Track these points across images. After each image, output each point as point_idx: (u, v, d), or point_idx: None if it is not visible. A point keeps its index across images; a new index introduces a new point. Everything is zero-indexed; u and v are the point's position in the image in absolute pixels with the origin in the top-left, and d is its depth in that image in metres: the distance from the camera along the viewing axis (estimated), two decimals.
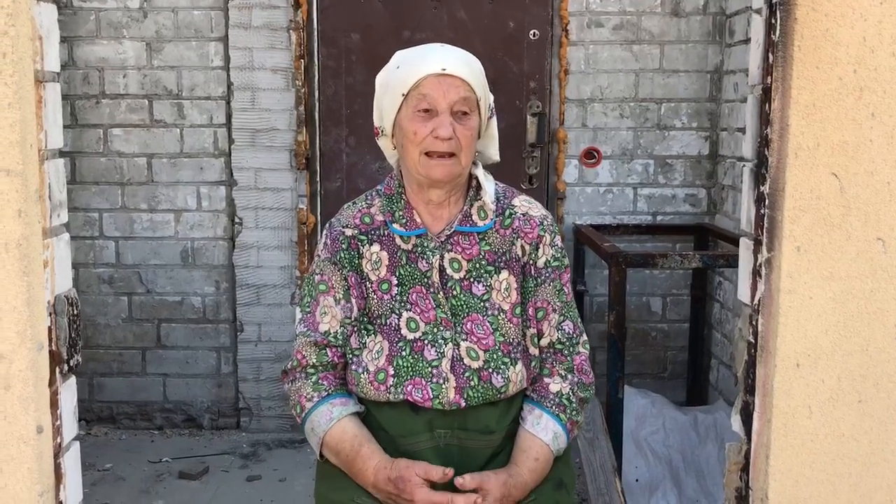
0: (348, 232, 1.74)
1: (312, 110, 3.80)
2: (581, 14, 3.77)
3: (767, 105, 1.29)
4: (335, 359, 1.75)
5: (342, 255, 1.73)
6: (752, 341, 1.36)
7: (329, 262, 1.75)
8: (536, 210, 1.78)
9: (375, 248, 1.73)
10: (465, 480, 1.62)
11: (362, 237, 1.74)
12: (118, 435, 3.89)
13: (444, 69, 1.63)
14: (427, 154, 1.65)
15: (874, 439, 1.31)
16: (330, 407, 1.71)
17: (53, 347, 1.25)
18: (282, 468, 3.55)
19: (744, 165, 1.40)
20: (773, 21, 1.27)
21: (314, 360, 1.75)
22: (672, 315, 3.97)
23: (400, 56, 1.71)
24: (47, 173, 1.24)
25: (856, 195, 1.26)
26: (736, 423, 1.42)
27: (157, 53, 3.79)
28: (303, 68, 3.73)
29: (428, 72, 1.63)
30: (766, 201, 1.31)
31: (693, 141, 3.86)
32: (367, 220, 1.75)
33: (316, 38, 3.78)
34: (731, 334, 3.61)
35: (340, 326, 1.74)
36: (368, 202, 1.78)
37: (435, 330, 1.70)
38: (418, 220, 1.72)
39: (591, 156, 3.86)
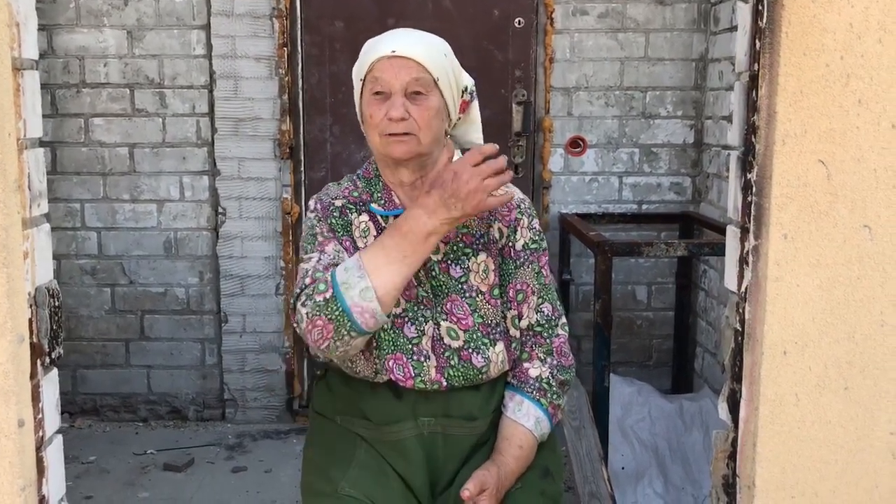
0: (338, 203, 1.76)
1: (296, 99, 3.77)
2: (566, 2, 3.76)
3: (754, 92, 1.29)
4: None
5: (334, 221, 1.74)
6: (739, 329, 1.36)
7: (323, 221, 1.73)
8: (513, 194, 1.78)
9: (364, 217, 1.75)
10: (470, 489, 1.61)
11: (351, 206, 1.75)
12: (102, 427, 3.87)
13: (393, 51, 1.64)
14: (386, 135, 1.66)
15: (860, 426, 1.32)
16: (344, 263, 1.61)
17: (34, 340, 1.23)
18: (267, 459, 3.54)
19: (730, 153, 1.40)
20: (760, 7, 1.26)
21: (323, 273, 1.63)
22: (657, 303, 3.98)
23: (365, 44, 1.73)
24: (26, 163, 1.22)
25: (843, 182, 1.26)
26: (723, 410, 1.42)
27: (139, 42, 3.74)
28: (286, 56, 3.70)
29: (380, 55, 1.65)
30: (753, 189, 1.30)
31: (678, 129, 3.86)
32: (354, 194, 1.78)
33: (299, 25, 3.74)
34: (716, 322, 3.63)
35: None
36: (351, 183, 1.81)
37: (416, 308, 1.71)
38: (396, 200, 1.74)
39: (576, 144, 3.85)
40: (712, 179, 3.73)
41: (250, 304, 3.85)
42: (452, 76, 1.70)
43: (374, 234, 1.73)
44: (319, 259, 1.65)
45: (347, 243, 1.73)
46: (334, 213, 1.74)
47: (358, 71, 1.70)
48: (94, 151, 3.80)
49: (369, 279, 1.54)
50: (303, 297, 1.58)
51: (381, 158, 1.74)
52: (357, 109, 1.75)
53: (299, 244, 1.79)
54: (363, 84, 1.68)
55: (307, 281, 1.61)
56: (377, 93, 1.65)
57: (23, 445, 1.19)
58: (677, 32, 3.80)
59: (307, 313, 1.56)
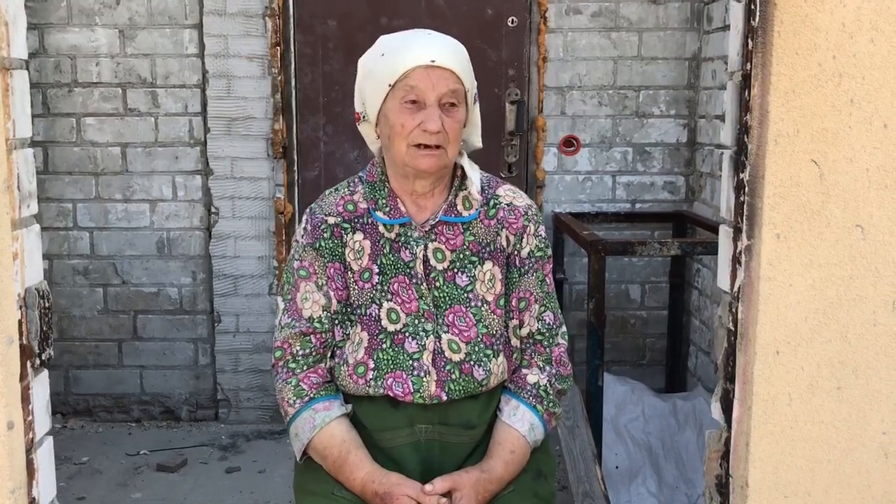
0: (331, 220, 1.70)
1: (289, 98, 3.76)
2: (559, 1, 3.75)
3: (747, 92, 1.29)
4: (318, 345, 1.72)
5: (323, 243, 1.70)
6: (732, 329, 1.36)
7: (310, 247, 1.71)
8: (521, 200, 1.76)
9: (358, 236, 1.70)
10: (436, 485, 1.60)
11: (346, 225, 1.70)
12: (95, 428, 3.85)
13: (433, 60, 1.59)
14: (415, 146, 1.62)
15: (853, 426, 1.32)
16: (312, 413, 1.68)
17: (24, 341, 1.22)
18: (261, 459, 3.53)
19: (723, 153, 1.40)
20: (752, 6, 1.26)
21: (297, 349, 1.71)
22: (651, 302, 3.98)
23: (385, 42, 1.66)
24: (16, 163, 1.21)
25: (835, 182, 1.26)
26: (716, 410, 1.42)
27: (131, 41, 3.73)
28: (279, 56, 3.69)
29: (416, 63, 1.59)
30: (746, 188, 1.30)
31: (671, 128, 3.86)
32: (350, 207, 1.72)
33: (292, 24, 3.73)
34: (709, 321, 3.63)
35: (323, 311, 1.71)
36: (351, 189, 1.74)
37: (416, 321, 1.68)
38: (402, 208, 1.69)
39: (570, 144, 3.85)
40: (706, 178, 3.73)
41: (243, 303, 3.84)
42: (473, 84, 1.69)
43: (368, 252, 1.69)
44: (293, 321, 1.71)
45: (332, 270, 1.69)
46: (325, 234, 1.70)
47: (386, 74, 1.61)
48: (87, 151, 3.78)
49: (301, 455, 1.73)
50: (275, 370, 1.74)
51: (398, 167, 1.67)
52: (374, 108, 1.66)
53: (287, 259, 1.79)
54: (391, 90, 1.61)
55: (284, 348, 1.72)
56: (410, 102, 1.60)
57: (13, 447, 1.18)
58: (670, 31, 3.80)
59: (275, 384, 1.75)
